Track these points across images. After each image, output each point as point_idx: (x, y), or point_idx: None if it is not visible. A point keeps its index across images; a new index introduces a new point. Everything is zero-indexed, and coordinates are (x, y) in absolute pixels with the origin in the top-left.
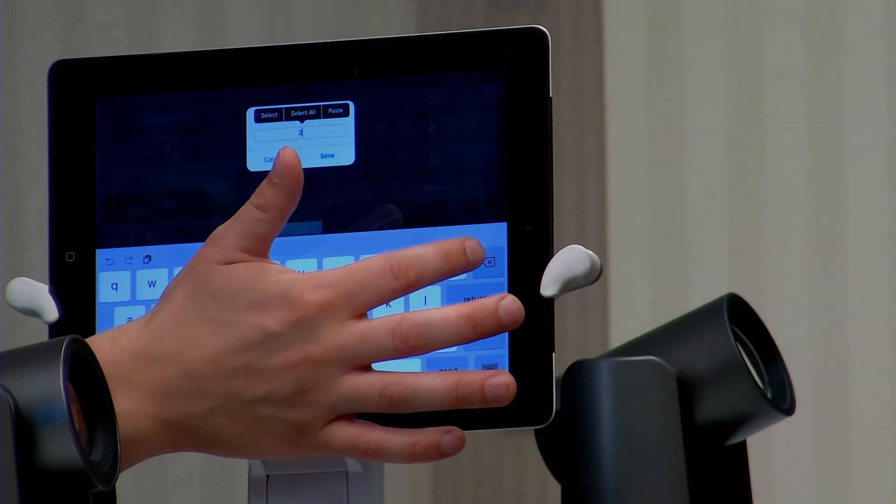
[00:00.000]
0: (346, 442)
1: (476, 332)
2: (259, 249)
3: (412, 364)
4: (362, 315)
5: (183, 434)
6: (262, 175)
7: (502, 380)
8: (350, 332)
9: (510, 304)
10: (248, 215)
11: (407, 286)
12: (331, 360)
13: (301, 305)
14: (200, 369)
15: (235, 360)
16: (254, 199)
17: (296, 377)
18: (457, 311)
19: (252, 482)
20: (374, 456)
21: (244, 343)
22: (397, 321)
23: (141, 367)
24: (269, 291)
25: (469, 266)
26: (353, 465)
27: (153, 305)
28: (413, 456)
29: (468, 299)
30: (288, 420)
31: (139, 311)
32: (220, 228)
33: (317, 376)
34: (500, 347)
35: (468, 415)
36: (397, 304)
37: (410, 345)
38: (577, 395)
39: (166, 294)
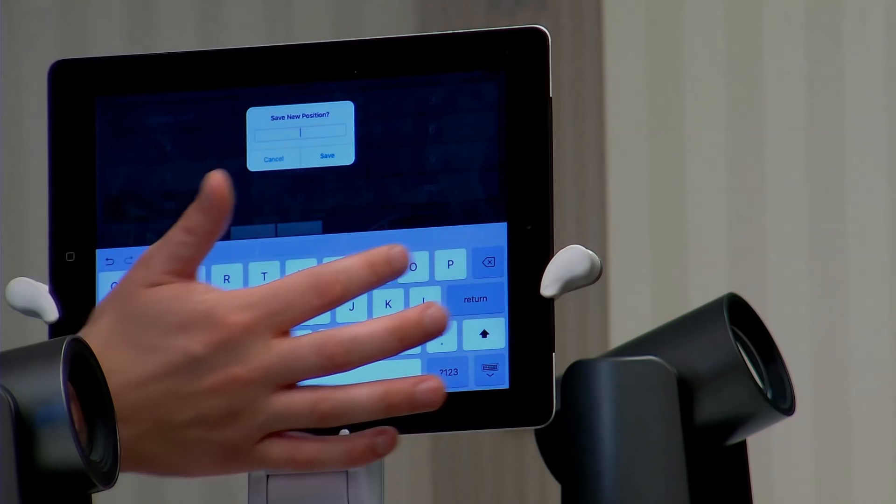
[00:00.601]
0: (282, 457)
1: (403, 345)
2: (186, 271)
3: (412, 367)
4: (286, 333)
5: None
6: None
7: (431, 384)
8: (275, 352)
9: (435, 313)
10: (175, 238)
11: (332, 302)
12: (258, 381)
13: (224, 327)
14: (127, 395)
15: (161, 385)
16: (181, 221)
17: (224, 399)
18: (382, 325)
19: (252, 482)
20: (311, 467)
21: (169, 368)
22: (323, 339)
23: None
24: (192, 314)
25: (395, 274)
26: None
27: None
28: (350, 461)
29: (468, 299)
30: (219, 441)
31: None
32: (149, 251)
33: (245, 397)
34: (500, 348)
35: (468, 415)
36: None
37: (337, 362)
38: (577, 396)
39: (94, 317)
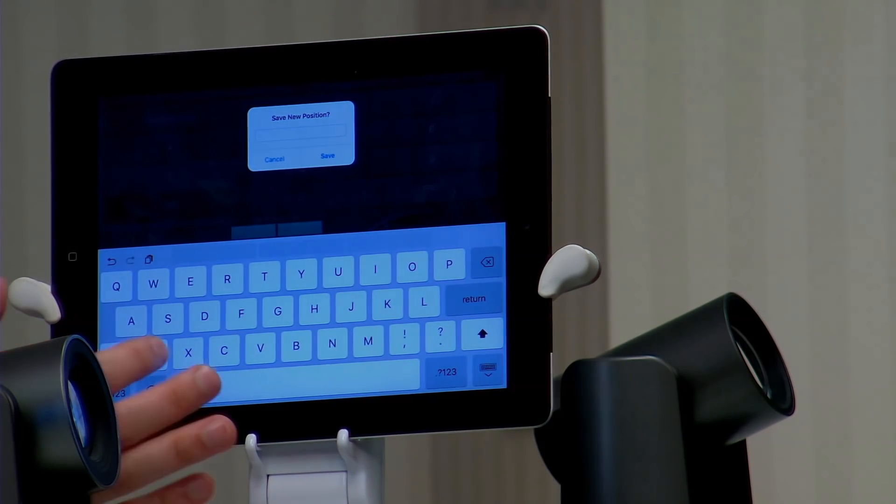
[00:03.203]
0: None
1: (181, 409)
2: None
3: (411, 367)
4: None
5: None
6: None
7: (217, 425)
8: None
9: (207, 373)
10: None
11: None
12: None
13: None
14: None
15: None
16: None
17: None
18: (158, 393)
19: (253, 481)
20: None
21: None
22: None
23: None
24: None
25: (157, 361)
26: (353, 464)
27: (154, 306)
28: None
29: (467, 299)
30: None
31: (140, 310)
32: None
33: None
34: (498, 348)
35: (467, 415)
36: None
37: (121, 435)
38: (577, 395)
39: None
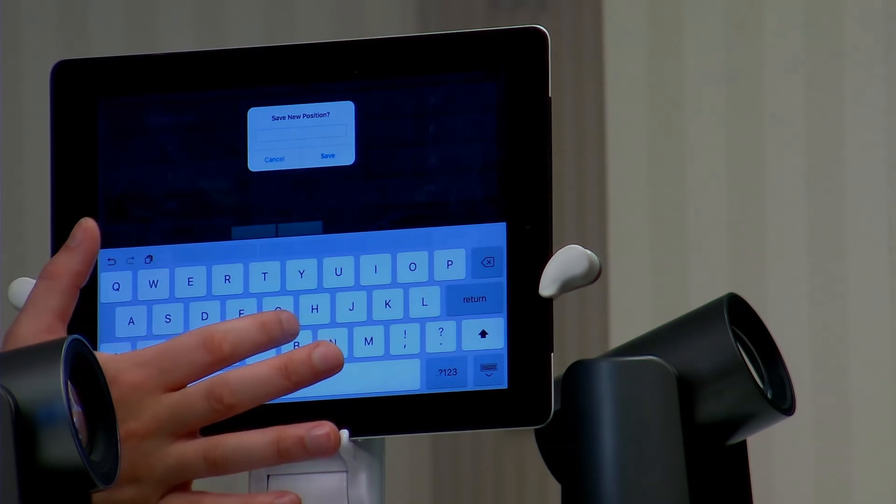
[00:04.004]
0: None
1: (292, 382)
2: (57, 326)
3: (411, 367)
4: (179, 388)
5: None
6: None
7: (323, 430)
8: (166, 404)
9: (326, 352)
10: (37, 292)
11: (221, 359)
12: (153, 434)
13: (115, 386)
14: None
15: None
16: (42, 272)
17: (122, 457)
18: (270, 364)
19: (252, 483)
20: None
21: None
22: (211, 384)
23: None
24: None
25: (286, 336)
26: (353, 464)
27: (154, 306)
28: None
29: (468, 299)
30: (121, 500)
31: (140, 311)
32: (17, 318)
33: (142, 452)
34: (498, 348)
35: (467, 415)
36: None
37: (227, 404)
38: (577, 396)
39: None
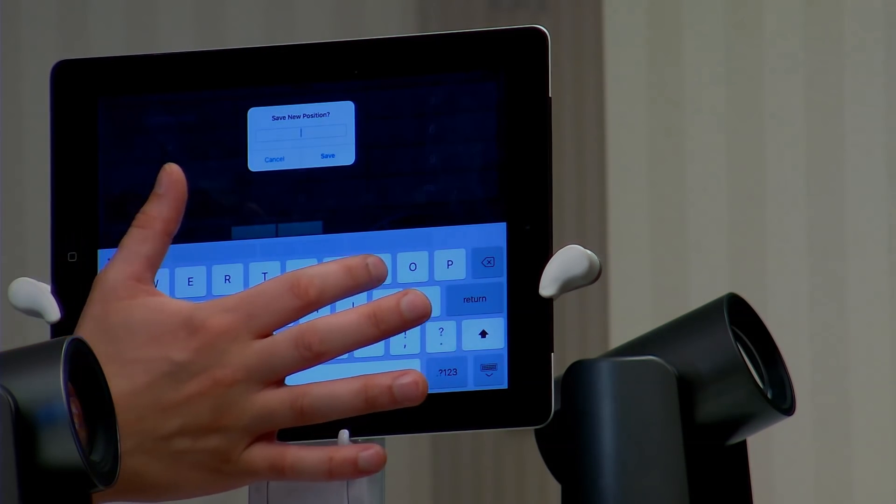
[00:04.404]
0: (266, 463)
1: (380, 330)
2: (147, 274)
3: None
4: (267, 335)
5: None
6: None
7: (410, 378)
8: (254, 350)
9: (414, 299)
10: (129, 239)
11: (308, 304)
12: (240, 381)
13: (204, 332)
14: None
15: (146, 397)
16: (136, 219)
17: (208, 404)
18: (358, 312)
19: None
20: (293, 475)
21: (151, 378)
22: (299, 331)
23: None
24: (169, 323)
25: (372, 281)
26: None
27: None
28: (330, 472)
29: (468, 299)
30: (207, 450)
31: None
32: (113, 257)
33: (228, 400)
34: (499, 348)
35: (467, 415)
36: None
37: (315, 351)
38: (577, 396)
39: (76, 328)
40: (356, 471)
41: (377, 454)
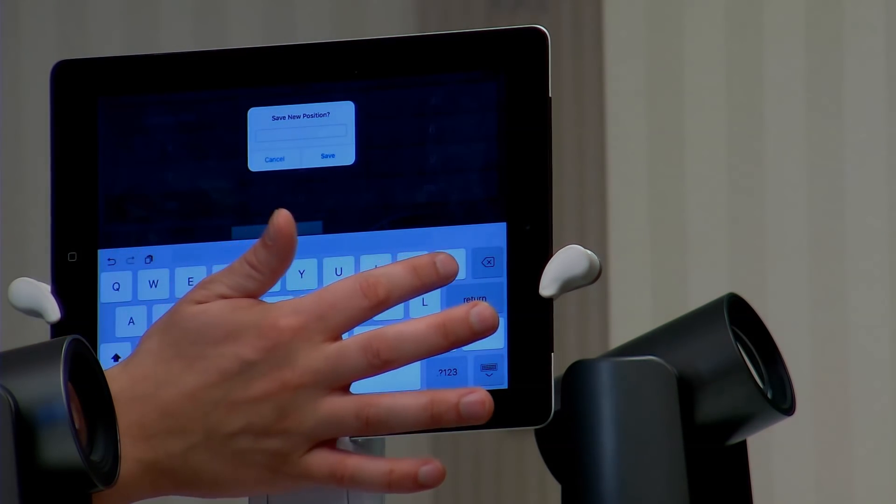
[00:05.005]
0: (326, 469)
1: (448, 342)
2: (233, 294)
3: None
4: (337, 337)
5: (164, 476)
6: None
7: (477, 397)
8: (323, 354)
9: (483, 311)
10: (241, 270)
11: (378, 304)
12: (307, 385)
13: (274, 332)
14: (178, 406)
15: (213, 394)
16: (248, 255)
17: (274, 405)
18: (427, 322)
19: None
20: (351, 483)
21: (221, 375)
22: (368, 337)
23: (120, 411)
24: (241, 322)
25: (441, 280)
26: None
27: (154, 306)
28: (389, 484)
29: (468, 299)
30: (268, 450)
31: (140, 311)
32: (214, 275)
33: (294, 402)
34: (499, 348)
35: None
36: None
37: (383, 359)
38: (577, 396)
39: (145, 336)
40: (416, 485)
41: (436, 469)
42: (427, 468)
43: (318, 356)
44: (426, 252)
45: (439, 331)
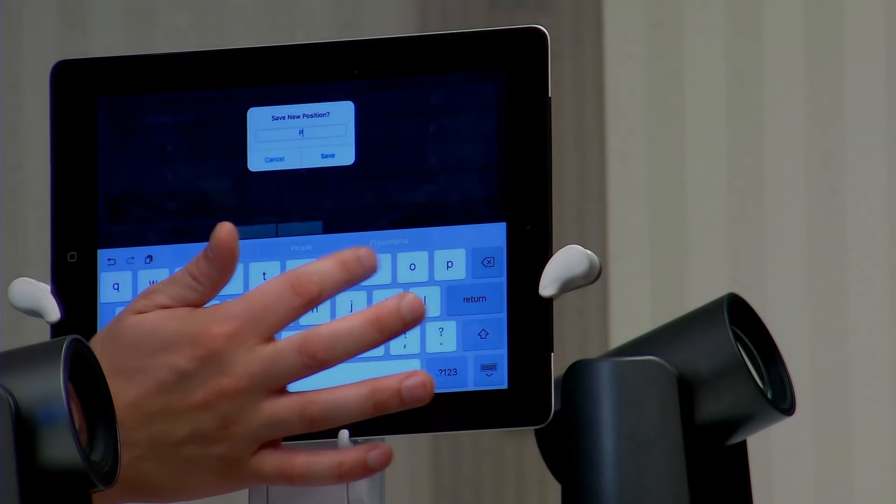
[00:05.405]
0: (275, 470)
1: (383, 335)
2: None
3: (411, 367)
4: (271, 339)
5: (122, 485)
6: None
7: (418, 380)
8: (258, 358)
9: (412, 302)
10: (183, 280)
11: (310, 301)
12: (245, 390)
13: (208, 340)
14: (122, 418)
15: (153, 404)
16: (190, 266)
17: (215, 412)
18: (361, 318)
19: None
20: (302, 480)
21: (158, 386)
22: (303, 338)
23: None
24: (176, 332)
25: (366, 273)
26: None
27: None
28: (340, 476)
29: (468, 299)
30: (216, 456)
31: None
32: (156, 285)
33: (235, 408)
34: (499, 348)
35: (467, 415)
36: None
37: (319, 359)
38: (577, 396)
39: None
40: (366, 471)
41: (384, 452)
42: (374, 453)
43: (254, 360)
44: (426, 252)
45: (374, 325)
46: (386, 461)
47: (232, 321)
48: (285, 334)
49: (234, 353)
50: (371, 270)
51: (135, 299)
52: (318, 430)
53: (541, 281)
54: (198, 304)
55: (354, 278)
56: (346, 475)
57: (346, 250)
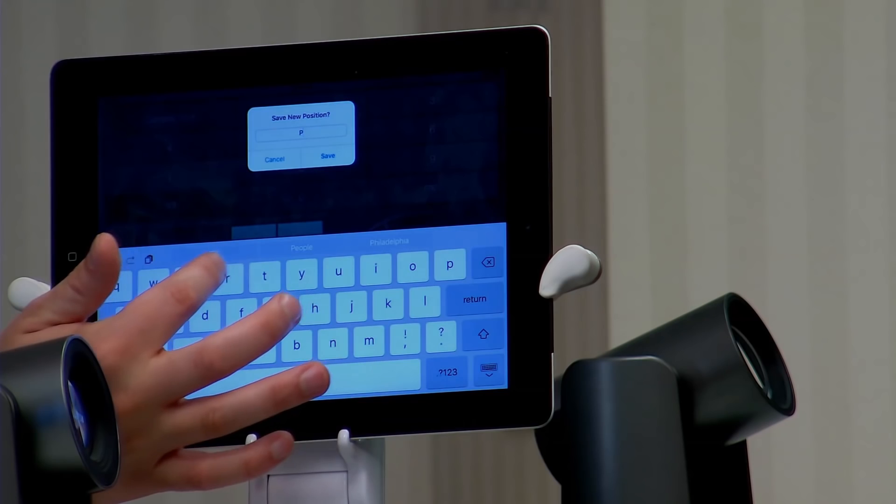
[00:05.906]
0: (180, 478)
1: (274, 338)
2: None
3: (411, 367)
4: (160, 349)
5: None
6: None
7: (314, 371)
8: (152, 372)
9: (290, 301)
10: (64, 293)
11: (190, 307)
12: (142, 405)
13: (98, 357)
14: None
15: None
16: (71, 279)
17: None
18: (250, 324)
19: (252, 483)
20: (211, 484)
21: None
22: (198, 350)
23: None
24: None
25: (223, 275)
26: (354, 464)
27: None
28: (249, 473)
29: (468, 299)
30: (123, 467)
31: None
32: (37, 300)
33: (135, 423)
34: (499, 348)
35: (467, 415)
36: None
37: (217, 369)
38: (577, 396)
39: None
40: (273, 462)
41: (286, 441)
42: (277, 444)
43: (148, 374)
44: (426, 252)
45: (264, 329)
46: (289, 448)
47: (120, 335)
48: (178, 343)
49: (128, 368)
50: (223, 271)
51: (19, 317)
52: (222, 435)
53: (541, 281)
54: (82, 317)
55: (218, 281)
56: (254, 471)
57: (201, 256)
